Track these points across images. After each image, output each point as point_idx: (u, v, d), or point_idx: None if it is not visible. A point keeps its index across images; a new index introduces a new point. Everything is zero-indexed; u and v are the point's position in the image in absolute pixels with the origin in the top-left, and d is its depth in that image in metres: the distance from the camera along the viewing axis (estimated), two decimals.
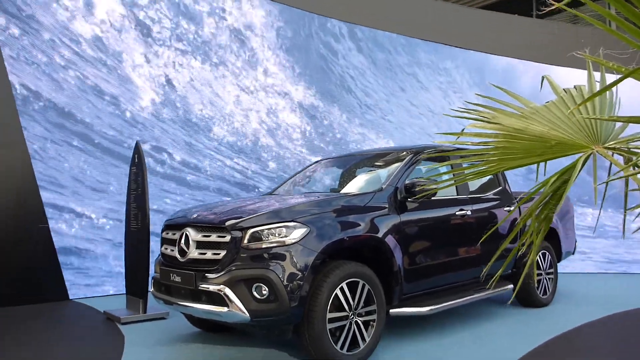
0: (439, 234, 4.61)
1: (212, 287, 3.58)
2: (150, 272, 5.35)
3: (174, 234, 4.12)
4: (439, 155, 4.96)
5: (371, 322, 3.86)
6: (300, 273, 3.49)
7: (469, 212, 4.88)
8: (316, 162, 5.82)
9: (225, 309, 3.52)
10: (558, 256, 6.20)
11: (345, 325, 3.70)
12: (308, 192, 5.18)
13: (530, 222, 2.05)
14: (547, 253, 5.92)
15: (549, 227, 1.82)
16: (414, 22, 10.70)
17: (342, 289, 3.68)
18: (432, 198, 4.47)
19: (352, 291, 3.74)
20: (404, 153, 4.82)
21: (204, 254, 3.76)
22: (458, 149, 4.91)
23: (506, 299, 5.97)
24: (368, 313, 3.84)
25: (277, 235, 3.60)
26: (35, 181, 6.59)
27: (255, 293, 3.48)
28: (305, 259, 3.54)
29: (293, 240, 3.57)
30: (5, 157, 6.43)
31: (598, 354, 4.11)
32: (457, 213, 4.77)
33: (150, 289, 4.39)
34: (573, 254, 6.61)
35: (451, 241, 4.72)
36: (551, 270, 5.98)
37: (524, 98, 1.88)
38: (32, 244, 6.42)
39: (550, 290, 5.92)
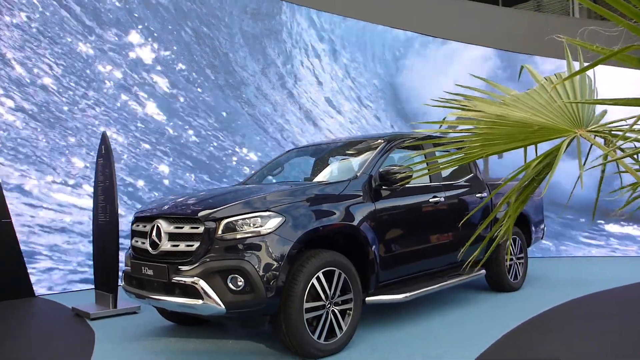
0: (414, 221, 4.62)
1: (185, 280, 3.50)
2: (120, 266, 5.24)
3: (145, 226, 4.01)
4: (413, 143, 4.96)
5: (347, 311, 3.85)
6: (276, 263, 3.44)
7: (442, 199, 4.91)
8: (288, 151, 5.75)
9: (199, 302, 3.44)
10: (528, 241, 6.31)
11: (322, 315, 3.67)
12: (281, 181, 5.12)
13: (506, 206, 2.05)
14: (517, 238, 6.02)
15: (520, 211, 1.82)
16: (384, 10, 10.67)
17: (318, 278, 3.65)
18: (406, 185, 4.47)
19: (329, 280, 3.72)
20: (378, 141, 4.80)
21: (177, 245, 3.67)
22: (431, 137, 4.92)
23: (479, 285, 6.06)
24: (344, 302, 3.83)
25: (251, 225, 3.54)
26: None
27: (230, 284, 3.42)
28: (281, 249, 3.49)
29: (268, 230, 3.51)
30: None
31: (569, 336, 4.19)
32: (430, 200, 4.79)
33: (121, 283, 4.27)
34: (542, 239, 6.74)
35: (426, 228, 4.74)
36: (521, 255, 6.09)
37: (504, 86, 1.87)
38: None
39: (520, 274, 6.03)
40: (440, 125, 1.94)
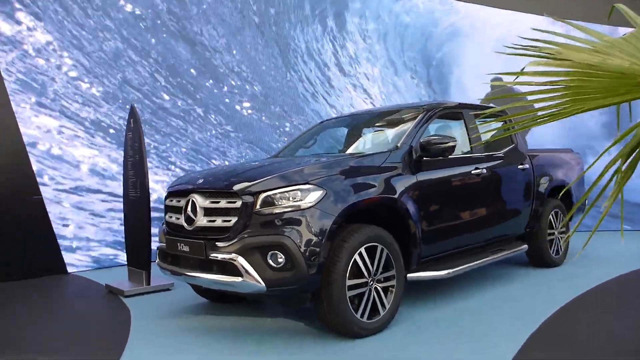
0: (456, 194, 4.41)
1: (223, 256, 3.37)
2: (153, 243, 5.15)
3: (179, 201, 3.88)
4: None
5: (390, 288, 3.69)
6: (317, 238, 3.28)
7: (484, 171, 4.68)
8: (320, 122, 5.55)
9: (238, 279, 3.31)
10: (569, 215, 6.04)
11: (364, 292, 3.52)
12: (316, 154, 4.93)
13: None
14: (559, 211, 5.77)
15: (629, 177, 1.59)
16: None
17: (360, 254, 3.49)
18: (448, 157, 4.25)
19: (371, 256, 3.55)
20: (417, 110, 4.57)
21: (213, 221, 3.53)
22: (477, 106, 4.68)
23: (518, 260, 5.85)
24: (387, 279, 3.67)
25: (291, 199, 3.37)
26: (25, 151, 6.28)
27: (270, 261, 3.27)
28: (323, 224, 3.32)
29: (309, 204, 3.34)
30: None
31: (624, 312, 3.98)
32: (472, 172, 4.57)
33: (155, 260, 4.17)
34: (583, 211, 6.45)
35: (468, 201, 4.53)
36: (563, 229, 5.84)
37: (595, 31, 1.64)
38: (25, 217, 6.16)
39: (562, 250, 5.80)
40: (516, 77, 1.71)
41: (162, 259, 4.04)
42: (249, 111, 8.40)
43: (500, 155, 5.07)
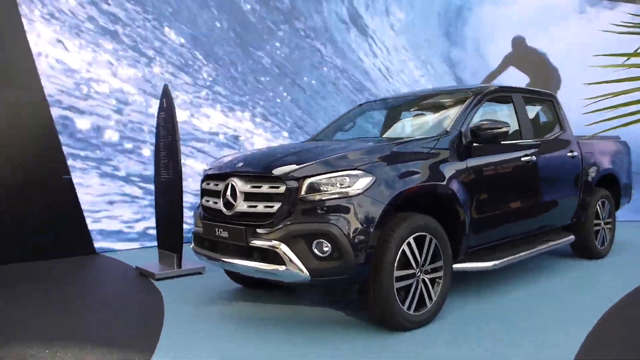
0: (505, 182, 4.19)
1: (266, 244, 3.21)
2: (184, 226, 5.03)
3: (217, 185, 3.72)
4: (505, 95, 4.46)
5: (437, 280, 3.51)
6: (366, 227, 3.10)
7: (533, 158, 4.43)
8: (360, 105, 5.32)
9: (282, 268, 3.15)
10: (616, 205, 5.78)
11: (411, 283, 3.34)
12: (357, 137, 4.72)
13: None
14: (606, 201, 5.50)
15: None
16: None
17: (409, 244, 3.30)
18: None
19: (419, 246, 3.37)
20: (465, 93, 4.33)
21: (255, 206, 3.36)
22: (527, 89, 4.42)
23: (561, 252, 5.61)
24: (434, 270, 3.48)
25: (338, 185, 3.18)
26: (55, 131, 6.18)
27: (315, 250, 3.10)
28: (372, 212, 3.14)
29: (357, 191, 3.15)
30: (23, 104, 5.99)
31: None
32: (522, 159, 4.33)
33: (191, 244, 4.03)
34: (629, 202, 6.17)
35: (517, 189, 4.31)
36: (609, 220, 5.58)
37: None
38: (55, 197, 6.09)
39: (607, 240, 5.54)
40: (628, 58, 1.49)
41: (198, 243, 3.90)
42: None
43: (550, 141, 4.81)
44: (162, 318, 3.74)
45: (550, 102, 5.15)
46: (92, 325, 3.65)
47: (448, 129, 3.88)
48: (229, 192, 3.51)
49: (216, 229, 3.56)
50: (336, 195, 3.16)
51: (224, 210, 3.54)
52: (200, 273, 5.10)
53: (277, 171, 3.30)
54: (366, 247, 3.09)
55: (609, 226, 5.55)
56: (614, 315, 3.61)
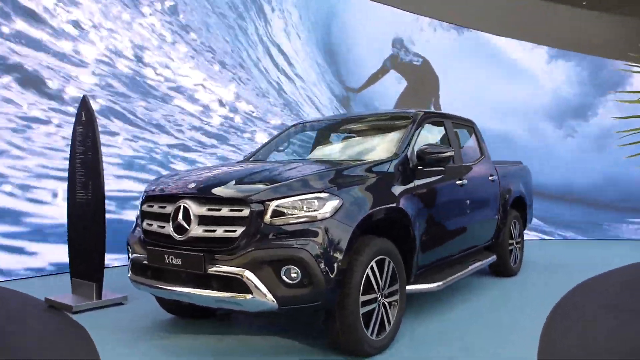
0: (445, 203, 4.33)
1: (229, 271, 3.00)
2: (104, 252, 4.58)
3: (163, 207, 3.42)
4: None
5: (394, 303, 3.51)
6: (336, 252, 3.02)
7: (465, 181, 4.66)
8: (293, 125, 5.24)
9: (247, 297, 2.95)
10: (523, 225, 6.26)
11: (374, 308, 3.30)
12: (305, 158, 4.62)
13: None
14: (517, 222, 5.93)
15: None
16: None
17: (372, 268, 3.27)
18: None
19: (380, 270, 3.35)
20: (403, 117, 4.45)
21: (212, 231, 3.13)
22: (455, 116, 4.65)
23: (479, 271, 5.93)
24: (391, 293, 3.48)
25: (305, 208, 3.07)
26: None
27: (284, 277, 2.96)
28: (342, 236, 3.06)
29: (326, 214, 3.06)
30: None
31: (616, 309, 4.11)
32: (457, 182, 4.53)
33: (128, 273, 3.65)
34: (530, 222, 6.72)
35: (454, 210, 4.49)
36: (520, 239, 6.02)
37: None
38: None
39: (518, 259, 5.97)
40: None
41: (138, 272, 3.54)
42: None
43: (475, 165, 5.10)
44: (97, 358, 3.32)
45: (470, 127, 5.47)
46: None
47: (397, 152, 3.94)
48: (180, 216, 3.24)
49: (166, 256, 3.26)
50: (304, 219, 3.05)
51: (175, 235, 3.26)
52: (121, 303, 4.65)
53: (240, 193, 3.11)
54: (337, 273, 3.00)
55: (519, 245, 5.99)
56: (550, 328, 3.85)
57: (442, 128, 4.79)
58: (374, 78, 9.49)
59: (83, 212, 4.63)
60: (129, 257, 3.72)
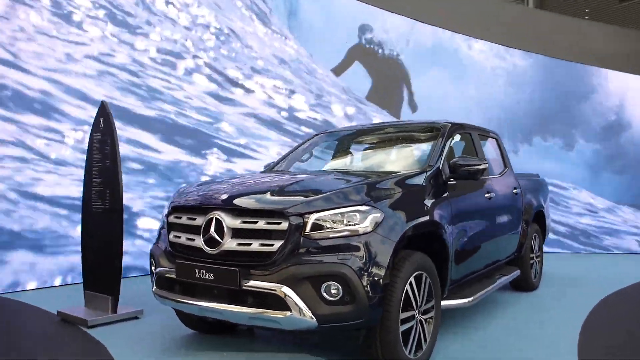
0: (476, 216, 4.22)
1: (265, 287, 2.86)
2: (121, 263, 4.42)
3: (193, 219, 3.28)
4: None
5: (429, 320, 3.38)
6: (379, 268, 2.89)
7: (493, 194, 4.55)
8: (315, 135, 5.12)
9: (285, 314, 2.82)
10: (543, 239, 6.16)
11: (412, 325, 3.17)
12: (333, 169, 4.46)
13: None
14: (537, 235, 5.83)
15: None
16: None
17: (410, 284, 3.14)
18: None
19: (417, 286, 3.22)
20: (436, 127, 4.34)
21: (248, 244, 2.99)
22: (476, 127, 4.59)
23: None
24: (426, 310, 3.35)
25: (346, 221, 2.95)
26: None
27: (324, 293, 2.82)
28: (384, 251, 2.94)
29: (368, 228, 2.94)
30: None
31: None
32: (485, 195, 4.42)
33: (152, 287, 3.50)
34: (548, 236, 6.62)
35: (483, 223, 4.37)
36: (539, 253, 5.91)
37: None
38: None
39: (538, 273, 5.86)
40: None
41: (164, 287, 3.38)
42: None
43: (501, 178, 4.99)
44: None
45: (494, 139, 5.37)
46: None
47: (430, 164, 3.83)
48: (213, 228, 3.10)
49: (196, 270, 3.11)
50: (345, 233, 2.92)
51: (206, 248, 3.11)
52: (137, 317, 4.47)
53: (278, 206, 2.98)
54: (380, 289, 2.87)
55: (539, 259, 5.88)
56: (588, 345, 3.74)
57: (467, 139, 4.69)
58: (339, 68, 9.15)
59: (99, 222, 4.47)
60: (151, 271, 3.57)
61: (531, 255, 5.61)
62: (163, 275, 3.38)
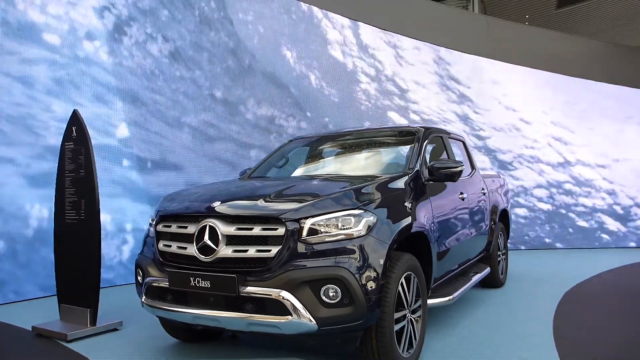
0: (452, 216, 4.37)
1: (264, 292, 2.89)
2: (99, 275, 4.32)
3: (184, 227, 3.26)
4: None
5: (417, 318, 3.49)
6: (375, 270, 2.97)
7: (465, 195, 4.73)
8: (290, 140, 5.15)
9: (286, 319, 2.85)
10: (507, 237, 6.42)
11: (404, 325, 3.27)
12: (311, 174, 4.51)
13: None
14: (502, 233, 6.08)
15: None
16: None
17: (401, 284, 3.24)
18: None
19: (407, 286, 3.33)
20: (411, 131, 4.48)
21: (244, 251, 3.01)
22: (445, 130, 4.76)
23: None
24: (415, 309, 3.46)
25: (340, 225, 3.01)
26: None
27: (323, 297, 2.88)
28: (379, 253, 3.02)
29: (362, 232, 3.02)
30: None
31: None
32: (459, 196, 4.59)
33: (142, 297, 3.44)
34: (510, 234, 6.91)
35: (458, 223, 4.53)
36: (504, 251, 6.17)
37: None
38: None
39: (504, 270, 6.11)
40: None
41: (155, 296, 3.34)
42: None
43: (471, 179, 5.19)
44: None
45: (461, 142, 5.58)
46: None
47: (411, 167, 3.95)
48: (206, 236, 3.09)
49: (191, 279, 3.09)
50: (340, 237, 2.99)
51: (200, 256, 3.11)
52: (116, 329, 4.38)
53: (274, 212, 3.01)
54: (376, 291, 2.95)
55: (504, 257, 6.13)
56: (558, 338, 3.95)
57: (439, 142, 4.85)
58: None
59: (73, 233, 4.35)
60: (139, 282, 3.52)
61: (498, 253, 5.84)
62: (153, 285, 3.34)
